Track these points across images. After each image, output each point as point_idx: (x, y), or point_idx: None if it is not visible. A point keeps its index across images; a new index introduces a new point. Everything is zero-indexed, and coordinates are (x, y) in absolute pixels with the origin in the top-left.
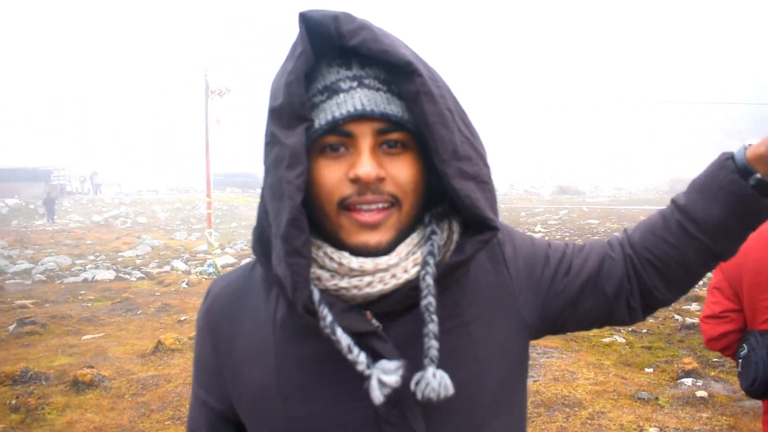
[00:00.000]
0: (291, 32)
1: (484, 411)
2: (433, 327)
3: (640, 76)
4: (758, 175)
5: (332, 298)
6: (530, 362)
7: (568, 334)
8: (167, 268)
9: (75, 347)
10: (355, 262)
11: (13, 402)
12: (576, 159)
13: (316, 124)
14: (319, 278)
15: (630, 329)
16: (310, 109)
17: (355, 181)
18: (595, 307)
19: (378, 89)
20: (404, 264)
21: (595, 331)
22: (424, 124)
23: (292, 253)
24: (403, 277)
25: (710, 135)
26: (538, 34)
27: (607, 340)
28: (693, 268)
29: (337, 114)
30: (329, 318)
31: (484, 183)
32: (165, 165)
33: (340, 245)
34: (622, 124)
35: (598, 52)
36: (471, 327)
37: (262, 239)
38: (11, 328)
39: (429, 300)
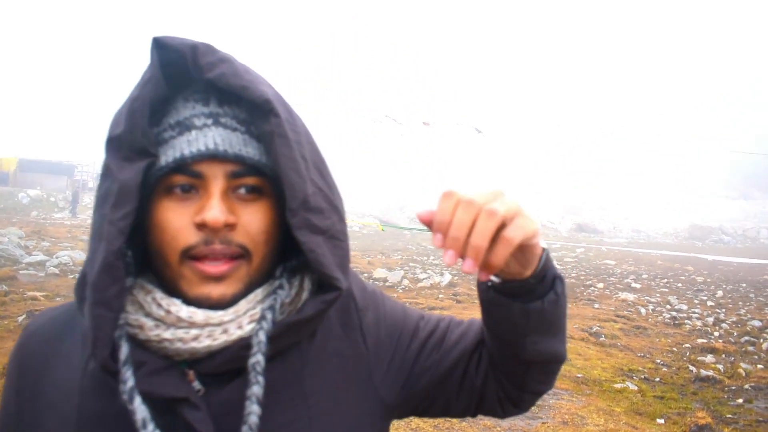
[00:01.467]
0: (331, 56)
1: None
2: (257, 390)
3: (668, 119)
4: (492, 278)
5: (148, 353)
6: (540, 402)
7: (580, 376)
8: None
9: None
10: (185, 311)
11: None
12: (596, 197)
13: (162, 161)
14: (141, 326)
15: (643, 377)
16: (158, 144)
17: (202, 226)
18: (463, 392)
19: (235, 129)
20: (240, 320)
21: (607, 376)
22: (278, 168)
23: (100, 303)
24: (235, 334)
25: (734, 182)
26: (567, 69)
27: (618, 386)
28: (517, 372)
29: (186, 152)
30: (129, 383)
31: (336, 239)
32: None
33: (179, 296)
34: (644, 165)
35: (626, 91)
36: (310, 400)
37: (83, 281)
38: (20, 319)
39: (258, 358)
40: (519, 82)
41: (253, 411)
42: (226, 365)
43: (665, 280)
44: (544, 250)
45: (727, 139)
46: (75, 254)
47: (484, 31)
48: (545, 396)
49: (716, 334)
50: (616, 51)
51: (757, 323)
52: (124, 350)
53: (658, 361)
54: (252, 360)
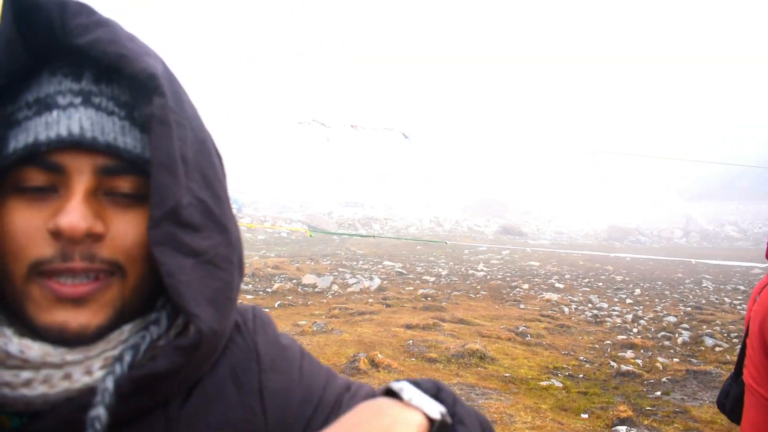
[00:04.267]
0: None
1: None
2: None
3: (590, 126)
4: None
5: None
6: (469, 402)
7: (508, 375)
8: None
9: None
10: (15, 344)
11: None
12: (521, 200)
13: (10, 148)
14: None
15: (567, 374)
16: (8, 126)
17: (57, 235)
18: None
19: (111, 112)
20: (90, 362)
21: (533, 374)
22: (152, 162)
23: None
24: (80, 381)
25: (651, 185)
26: (494, 75)
27: (544, 383)
28: None
29: (42, 137)
30: None
31: (214, 266)
32: None
33: (27, 325)
34: (568, 170)
35: (550, 99)
36: None
37: None
38: None
39: (98, 412)
40: (447, 87)
41: None
42: (60, 427)
43: (587, 280)
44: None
45: (644, 146)
46: None
47: (416, 35)
48: (473, 396)
49: (635, 330)
50: (544, 58)
51: (672, 319)
52: None
53: (581, 358)
54: (92, 413)
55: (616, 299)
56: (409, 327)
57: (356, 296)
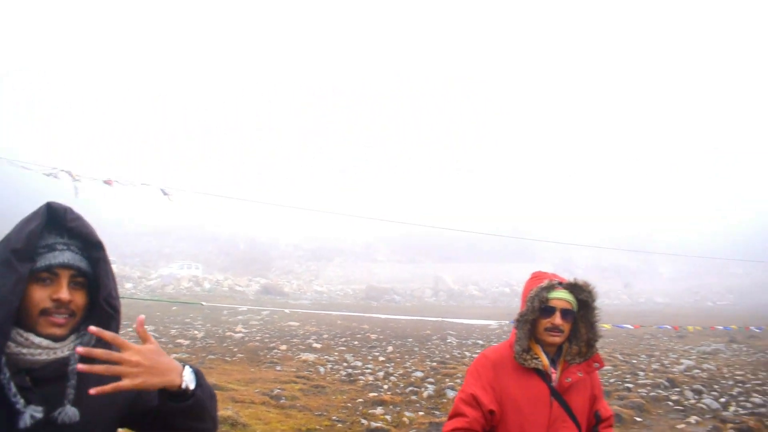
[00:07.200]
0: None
1: None
2: (73, 382)
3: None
4: None
5: (10, 362)
6: None
7: None
8: None
9: None
10: (36, 339)
11: None
12: (283, 259)
13: (39, 264)
14: (9, 347)
15: None
16: (36, 255)
17: (56, 300)
18: None
19: (77, 253)
20: (63, 347)
21: None
22: (99, 276)
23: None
24: (59, 354)
25: (404, 248)
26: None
27: None
28: None
29: (53, 262)
30: (7, 375)
31: (116, 311)
32: None
33: (36, 333)
34: (330, 230)
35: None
36: (84, 401)
37: None
38: None
39: (73, 367)
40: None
41: (71, 393)
42: (52, 372)
43: (344, 339)
44: (181, 387)
45: (398, 214)
46: None
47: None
48: None
49: (385, 386)
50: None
51: (419, 374)
52: (3, 359)
53: (334, 417)
54: (71, 368)
55: (369, 357)
56: None
57: None
